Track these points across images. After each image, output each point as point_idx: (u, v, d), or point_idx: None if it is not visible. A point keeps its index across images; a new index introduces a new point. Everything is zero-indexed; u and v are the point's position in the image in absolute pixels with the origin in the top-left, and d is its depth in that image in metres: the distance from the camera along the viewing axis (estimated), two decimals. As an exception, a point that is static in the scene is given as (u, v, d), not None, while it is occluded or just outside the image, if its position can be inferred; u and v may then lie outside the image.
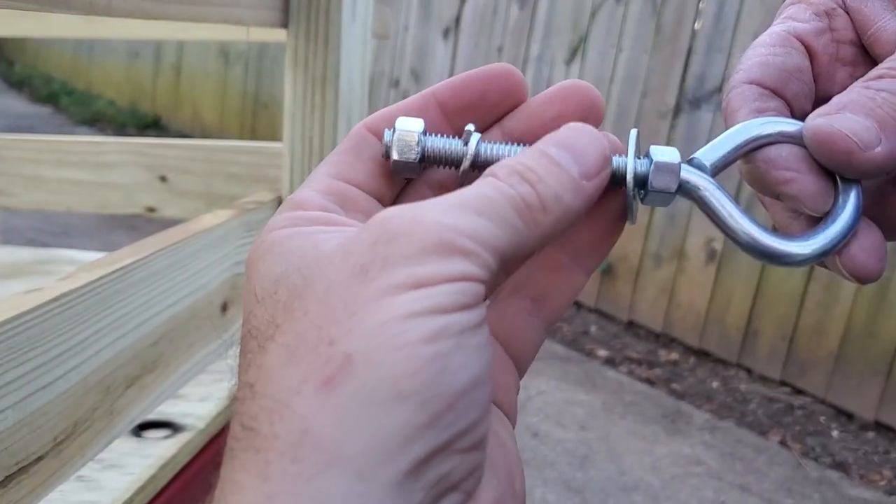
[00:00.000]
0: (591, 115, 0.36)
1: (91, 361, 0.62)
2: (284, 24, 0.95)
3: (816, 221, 0.37)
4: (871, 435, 3.03)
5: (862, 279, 0.36)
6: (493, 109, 0.37)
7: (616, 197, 0.37)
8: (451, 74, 4.65)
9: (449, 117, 0.37)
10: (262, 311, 0.30)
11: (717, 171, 0.37)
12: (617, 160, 0.36)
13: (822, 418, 3.14)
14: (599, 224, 0.37)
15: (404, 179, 0.38)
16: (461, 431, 0.26)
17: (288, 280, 0.29)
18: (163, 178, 1.18)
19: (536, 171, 0.31)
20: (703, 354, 3.64)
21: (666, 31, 3.75)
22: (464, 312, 0.27)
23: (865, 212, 0.36)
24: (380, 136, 0.36)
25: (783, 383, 3.37)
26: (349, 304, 0.27)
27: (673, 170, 0.35)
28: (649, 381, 3.39)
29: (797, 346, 3.32)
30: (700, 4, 3.62)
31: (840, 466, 2.82)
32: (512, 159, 0.32)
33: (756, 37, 0.42)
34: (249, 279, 0.31)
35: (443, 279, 0.27)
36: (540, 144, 0.33)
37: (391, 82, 5.25)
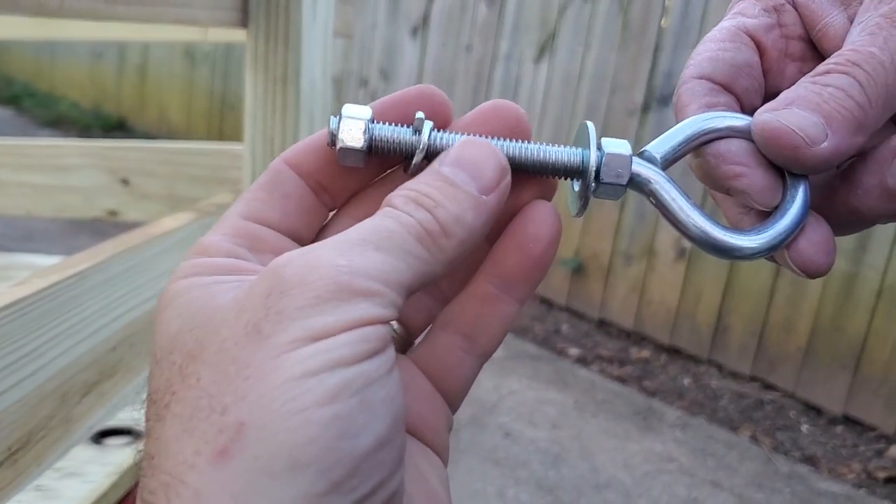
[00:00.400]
0: (518, 134, 0.35)
1: (47, 368, 0.61)
2: (244, 24, 0.94)
3: (766, 216, 0.37)
4: (839, 429, 3.07)
5: (810, 273, 0.36)
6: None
7: (544, 221, 0.35)
8: (419, 73, 4.65)
9: None
10: (159, 374, 0.28)
11: (667, 164, 0.37)
12: (570, 153, 0.35)
13: (791, 413, 3.17)
14: (528, 252, 0.35)
15: (327, 212, 0.36)
16: (366, 494, 0.25)
17: (181, 340, 0.28)
18: (124, 181, 1.16)
19: (432, 195, 0.30)
20: (673, 351, 3.67)
21: (633, 28, 3.77)
22: (369, 361, 0.26)
23: (814, 206, 0.37)
24: (300, 171, 0.35)
25: (753, 379, 3.40)
26: (242, 368, 0.25)
27: (624, 162, 0.35)
28: (621, 379, 3.40)
29: (767, 342, 3.36)
30: (666, 2, 3.64)
31: (809, 460, 2.85)
32: (406, 185, 0.31)
33: None
34: (152, 335, 0.30)
35: (342, 328, 0.26)
36: (435, 164, 0.32)
37: (360, 81, 5.24)
